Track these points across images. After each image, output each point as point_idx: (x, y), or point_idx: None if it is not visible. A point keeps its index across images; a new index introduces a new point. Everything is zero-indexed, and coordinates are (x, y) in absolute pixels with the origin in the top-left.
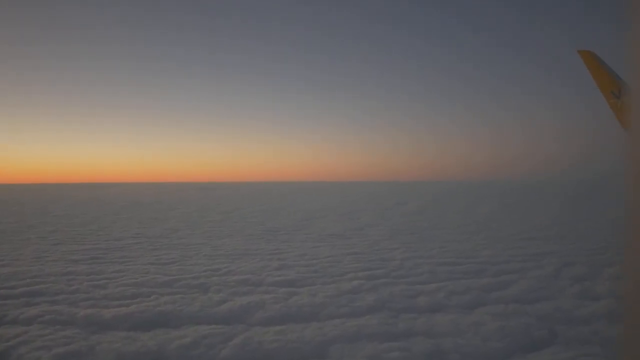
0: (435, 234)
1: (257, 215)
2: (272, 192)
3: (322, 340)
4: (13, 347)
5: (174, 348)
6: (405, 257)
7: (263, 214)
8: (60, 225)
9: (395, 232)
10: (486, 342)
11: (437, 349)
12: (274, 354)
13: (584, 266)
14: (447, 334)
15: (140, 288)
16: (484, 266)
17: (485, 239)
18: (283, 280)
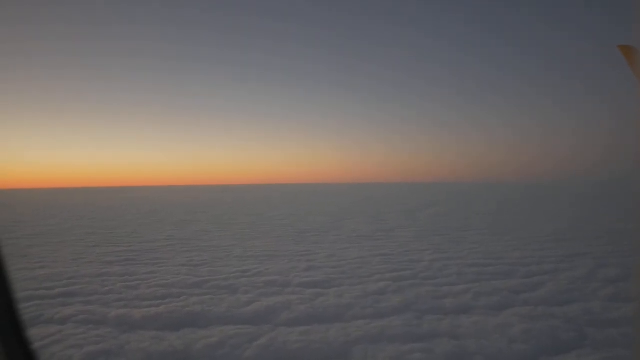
0: (465, 235)
1: (286, 217)
2: (301, 193)
3: (346, 341)
4: (46, 346)
5: (200, 348)
6: (434, 258)
7: (293, 216)
8: (96, 228)
9: (425, 234)
10: (512, 344)
11: (460, 350)
12: (297, 354)
13: (619, 268)
14: (472, 335)
15: (171, 289)
16: (515, 267)
17: (516, 240)
18: (310, 282)
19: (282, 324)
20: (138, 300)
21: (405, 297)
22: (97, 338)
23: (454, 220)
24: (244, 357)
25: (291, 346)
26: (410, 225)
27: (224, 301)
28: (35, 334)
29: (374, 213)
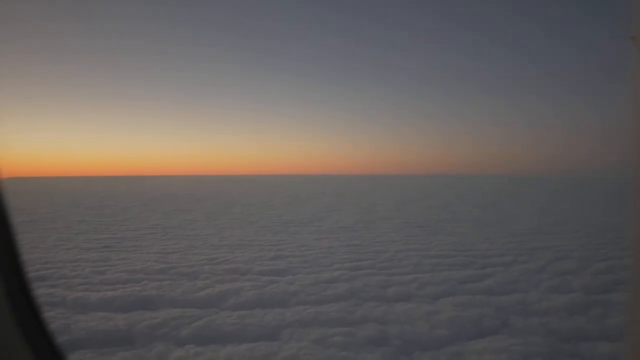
0: (446, 227)
1: (277, 207)
2: (303, 184)
3: (278, 324)
4: None
5: (142, 327)
6: (400, 249)
7: (283, 206)
8: (89, 216)
9: (406, 225)
10: (433, 329)
11: (381, 334)
12: (229, 334)
13: (575, 261)
14: (399, 321)
15: (136, 275)
16: (475, 259)
17: (493, 232)
18: (270, 270)
19: (227, 308)
20: (101, 285)
21: (353, 286)
22: (49, 318)
23: (443, 212)
24: (180, 336)
25: (226, 328)
26: (396, 217)
27: (180, 287)
28: None
29: (366, 204)
